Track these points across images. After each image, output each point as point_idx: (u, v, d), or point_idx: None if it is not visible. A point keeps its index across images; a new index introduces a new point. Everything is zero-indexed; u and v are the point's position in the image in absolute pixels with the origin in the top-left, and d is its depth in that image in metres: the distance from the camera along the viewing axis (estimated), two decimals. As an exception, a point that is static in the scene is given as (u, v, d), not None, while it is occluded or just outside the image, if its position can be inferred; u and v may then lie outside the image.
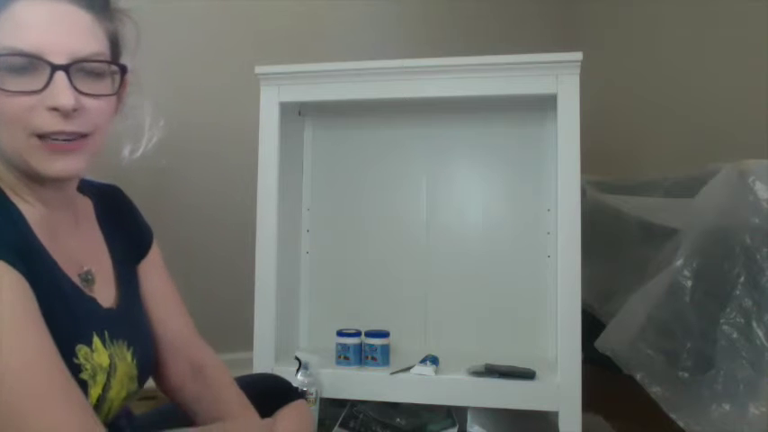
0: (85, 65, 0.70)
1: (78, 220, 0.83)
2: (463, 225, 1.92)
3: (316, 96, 1.72)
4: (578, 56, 1.54)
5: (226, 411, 0.90)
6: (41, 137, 0.69)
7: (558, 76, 1.56)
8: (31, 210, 0.73)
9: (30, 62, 0.67)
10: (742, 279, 1.58)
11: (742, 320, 1.56)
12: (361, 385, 1.63)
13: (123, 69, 0.76)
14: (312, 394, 1.54)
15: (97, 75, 0.72)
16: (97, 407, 0.72)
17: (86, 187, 0.88)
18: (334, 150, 1.98)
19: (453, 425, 1.61)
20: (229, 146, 2.23)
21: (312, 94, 1.71)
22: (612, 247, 2.13)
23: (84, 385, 0.70)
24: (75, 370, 0.69)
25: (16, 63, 0.67)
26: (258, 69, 1.69)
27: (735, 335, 1.56)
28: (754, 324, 1.55)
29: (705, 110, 2.27)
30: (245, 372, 1.39)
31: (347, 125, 1.97)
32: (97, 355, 0.73)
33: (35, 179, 0.73)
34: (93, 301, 0.78)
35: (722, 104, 2.19)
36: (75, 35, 0.70)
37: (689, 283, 1.66)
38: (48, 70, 0.67)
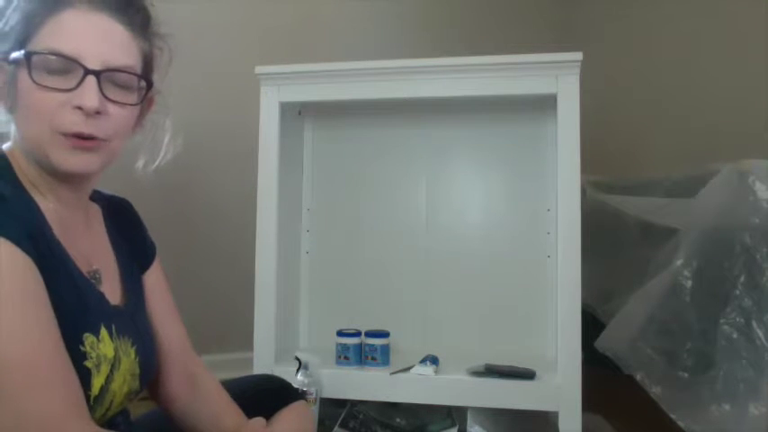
0: (116, 74, 0.76)
1: (89, 223, 0.87)
2: (463, 225, 1.92)
3: (316, 96, 1.72)
4: (578, 56, 1.54)
5: (222, 423, 0.92)
6: (64, 134, 0.73)
7: (558, 76, 1.56)
8: (47, 205, 0.77)
9: (66, 64, 0.73)
10: (742, 279, 1.58)
11: (742, 320, 1.56)
12: (361, 385, 1.63)
13: (149, 84, 0.81)
14: (312, 394, 1.54)
15: (125, 86, 0.78)
16: (99, 397, 0.74)
17: (96, 196, 0.91)
18: (334, 150, 1.98)
19: (453, 425, 1.61)
20: (229, 146, 2.23)
21: (312, 94, 1.71)
22: (612, 247, 2.12)
23: (87, 373, 0.72)
24: (80, 357, 0.71)
25: (54, 63, 0.72)
26: (258, 69, 1.69)
27: (735, 335, 1.56)
28: (754, 324, 1.55)
29: (705, 110, 2.27)
30: (246, 372, 1.39)
31: (347, 125, 1.97)
32: (103, 345, 0.75)
33: (54, 175, 0.77)
34: (102, 295, 0.81)
35: (722, 104, 2.19)
36: (111, 47, 0.76)
37: (689, 283, 1.66)
38: (81, 73, 0.73)
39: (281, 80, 1.69)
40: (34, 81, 0.72)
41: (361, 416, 1.64)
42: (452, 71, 1.63)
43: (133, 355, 0.82)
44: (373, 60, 1.69)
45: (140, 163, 0.91)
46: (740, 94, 2.11)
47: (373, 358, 1.66)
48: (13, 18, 0.74)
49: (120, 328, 0.80)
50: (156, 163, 0.92)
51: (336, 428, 1.61)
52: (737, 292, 1.57)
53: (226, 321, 2.07)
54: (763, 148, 1.86)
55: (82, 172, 0.76)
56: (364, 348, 1.67)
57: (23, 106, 0.74)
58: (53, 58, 0.72)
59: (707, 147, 2.17)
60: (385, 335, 1.68)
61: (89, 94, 0.73)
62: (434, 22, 2.78)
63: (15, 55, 0.73)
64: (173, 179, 2.14)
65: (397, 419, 1.64)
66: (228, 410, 0.95)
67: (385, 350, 1.67)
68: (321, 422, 1.61)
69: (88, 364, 0.72)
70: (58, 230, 0.75)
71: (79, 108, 0.73)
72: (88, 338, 0.73)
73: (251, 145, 1.72)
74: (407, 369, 1.62)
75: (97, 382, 0.73)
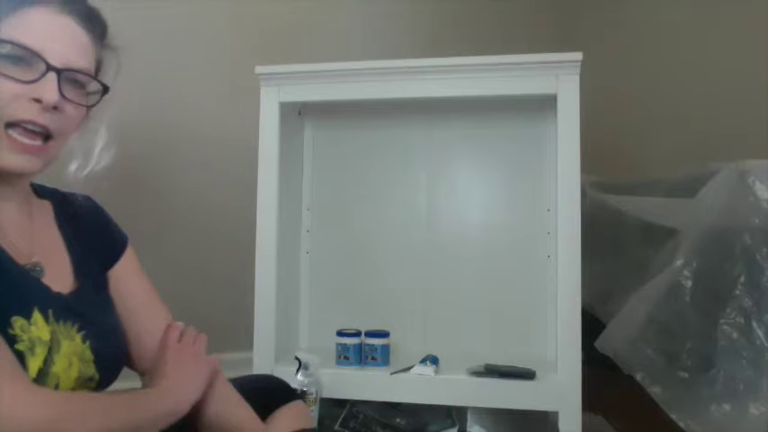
0: (75, 75, 0.79)
1: (33, 217, 0.87)
2: (463, 225, 1.92)
3: (316, 96, 1.72)
4: (578, 56, 1.54)
5: (220, 407, 0.92)
6: (9, 127, 0.75)
7: (558, 76, 1.56)
8: None
9: (29, 56, 0.75)
10: (742, 279, 1.58)
11: (742, 320, 1.56)
12: (361, 385, 1.63)
13: (105, 90, 0.84)
14: (312, 394, 1.54)
15: (80, 87, 0.81)
16: (39, 380, 0.75)
17: (47, 193, 0.92)
18: (334, 150, 1.98)
19: (453, 425, 1.61)
20: (229, 146, 2.23)
21: (312, 94, 1.71)
22: (612, 247, 2.13)
23: (20, 356, 0.73)
24: (10, 341, 0.72)
25: (16, 53, 0.74)
26: (258, 69, 1.69)
27: (735, 335, 1.56)
28: (754, 324, 1.55)
29: (705, 110, 2.27)
30: (245, 372, 1.39)
31: (347, 125, 1.97)
32: (36, 328, 0.76)
33: None
34: (37, 281, 0.81)
35: (722, 105, 2.19)
36: (74, 48, 0.79)
37: (689, 283, 1.66)
38: (43, 68, 0.75)
39: (281, 80, 1.69)
40: None
41: (361, 416, 1.64)
42: (452, 71, 1.63)
43: (79, 340, 0.81)
44: (373, 60, 1.69)
45: (73, 167, 0.92)
46: (740, 94, 2.11)
47: (373, 358, 1.66)
48: None
49: (59, 312, 0.80)
50: (88, 169, 0.92)
51: (336, 428, 1.61)
52: (737, 292, 1.57)
53: (226, 321, 2.07)
54: (763, 148, 1.86)
55: (23, 173, 0.79)
56: (364, 348, 1.67)
57: None
58: (17, 48, 0.74)
59: (707, 147, 2.17)
60: (385, 335, 1.68)
61: (50, 88, 0.75)
62: (434, 22, 2.79)
63: None
64: (170, 178, 2.15)
65: (397, 419, 1.64)
66: (227, 396, 0.95)
67: (385, 350, 1.67)
68: (321, 422, 1.61)
69: (20, 347, 0.73)
70: None
71: (37, 101, 0.75)
72: (17, 321, 0.74)
73: (250, 145, 1.72)
74: (407, 369, 1.62)
75: (34, 365, 0.74)
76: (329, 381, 1.61)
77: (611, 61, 2.67)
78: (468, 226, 1.91)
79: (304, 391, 1.51)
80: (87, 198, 0.97)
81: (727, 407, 1.53)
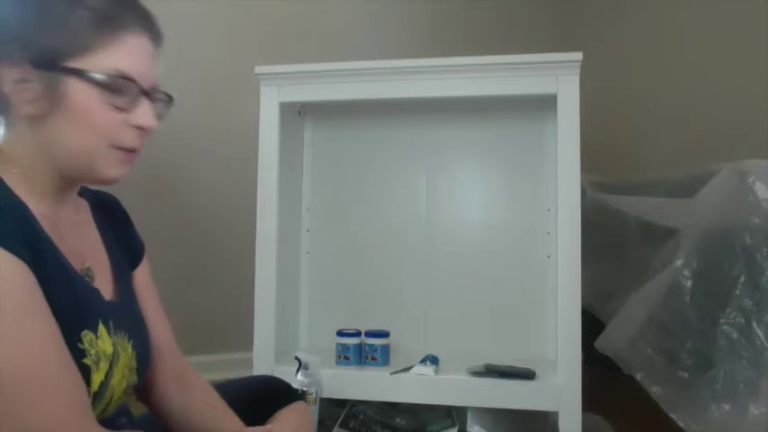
0: (158, 94, 0.82)
1: (78, 218, 0.86)
2: (463, 225, 1.92)
3: (316, 96, 1.72)
4: (578, 56, 1.54)
5: (212, 418, 0.92)
6: (112, 147, 0.77)
7: (558, 76, 1.56)
8: (38, 205, 0.76)
9: (125, 84, 0.76)
10: (742, 279, 1.57)
11: (742, 320, 1.56)
12: (361, 385, 1.63)
13: (170, 99, 0.86)
14: (312, 394, 1.54)
15: (157, 101, 0.83)
16: (99, 393, 0.74)
17: (82, 191, 0.91)
18: (334, 150, 1.98)
19: (453, 425, 1.61)
20: (229, 146, 2.23)
21: (312, 94, 1.71)
22: (612, 247, 2.12)
23: (87, 370, 0.72)
24: (79, 355, 0.71)
25: (118, 83, 0.76)
26: (258, 69, 1.69)
27: (735, 335, 1.56)
28: (754, 324, 1.54)
29: (705, 110, 2.27)
30: (246, 372, 1.39)
31: (347, 125, 1.97)
32: (102, 342, 0.75)
33: (72, 180, 0.80)
34: (97, 291, 0.81)
35: (722, 105, 2.19)
36: (153, 67, 0.82)
37: (689, 283, 1.66)
38: (136, 92, 0.78)
39: (281, 80, 1.69)
40: (102, 100, 0.74)
41: (361, 416, 1.64)
42: (452, 71, 1.63)
43: (130, 350, 0.82)
44: (373, 60, 1.69)
45: None
46: (740, 94, 2.11)
47: (373, 358, 1.66)
48: (62, 29, 0.74)
49: (116, 323, 0.80)
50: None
51: (336, 428, 1.61)
52: (737, 292, 1.57)
53: (226, 321, 2.07)
54: (763, 148, 1.86)
55: (121, 180, 0.81)
56: (364, 348, 1.67)
57: (78, 119, 0.74)
58: (116, 78, 0.75)
59: (707, 147, 2.17)
60: (385, 335, 1.68)
61: (149, 114, 0.79)
62: (434, 22, 2.79)
63: (89, 73, 0.74)
64: (171, 179, 2.15)
65: (397, 419, 1.64)
66: (223, 413, 0.94)
67: (385, 350, 1.67)
68: (321, 422, 1.61)
69: (87, 361, 0.72)
70: (50, 231, 0.75)
71: (139, 128, 0.77)
72: (86, 335, 0.73)
73: (250, 145, 1.72)
74: (407, 369, 1.62)
75: (97, 379, 0.74)
76: (329, 381, 1.61)
77: (611, 61, 2.67)
78: (468, 226, 1.91)
79: (304, 391, 1.51)
80: (115, 199, 0.98)
81: (727, 407, 1.53)
